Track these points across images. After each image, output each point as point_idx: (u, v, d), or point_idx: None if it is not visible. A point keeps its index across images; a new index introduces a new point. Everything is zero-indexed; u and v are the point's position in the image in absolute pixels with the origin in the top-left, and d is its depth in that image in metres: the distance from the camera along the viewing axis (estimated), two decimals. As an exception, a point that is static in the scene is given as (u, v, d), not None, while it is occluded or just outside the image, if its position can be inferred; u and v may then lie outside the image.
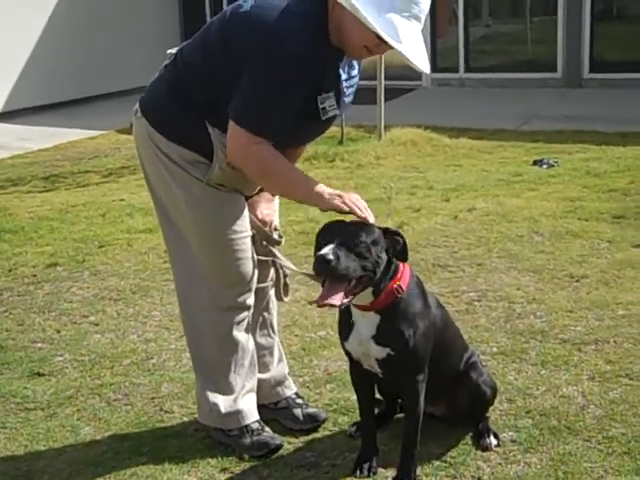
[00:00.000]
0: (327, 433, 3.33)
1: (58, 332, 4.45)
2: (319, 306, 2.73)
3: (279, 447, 3.20)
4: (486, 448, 3.13)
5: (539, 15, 13.99)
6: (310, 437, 3.29)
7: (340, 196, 2.85)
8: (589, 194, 6.71)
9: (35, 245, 5.98)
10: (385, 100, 9.00)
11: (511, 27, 14.49)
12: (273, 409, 3.43)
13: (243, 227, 3.07)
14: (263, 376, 3.40)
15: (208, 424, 3.27)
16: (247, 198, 3.14)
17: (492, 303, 4.56)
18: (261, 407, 3.34)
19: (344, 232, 2.73)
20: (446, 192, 6.99)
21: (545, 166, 7.81)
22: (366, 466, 3.03)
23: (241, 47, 2.78)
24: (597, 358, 3.84)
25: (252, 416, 3.24)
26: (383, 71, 8.77)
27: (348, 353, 3.02)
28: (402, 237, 2.86)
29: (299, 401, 3.45)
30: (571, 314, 4.35)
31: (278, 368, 3.47)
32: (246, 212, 3.11)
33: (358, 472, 3.01)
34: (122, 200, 7.11)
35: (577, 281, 4.83)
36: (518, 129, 9.79)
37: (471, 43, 13.86)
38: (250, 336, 3.24)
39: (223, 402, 3.20)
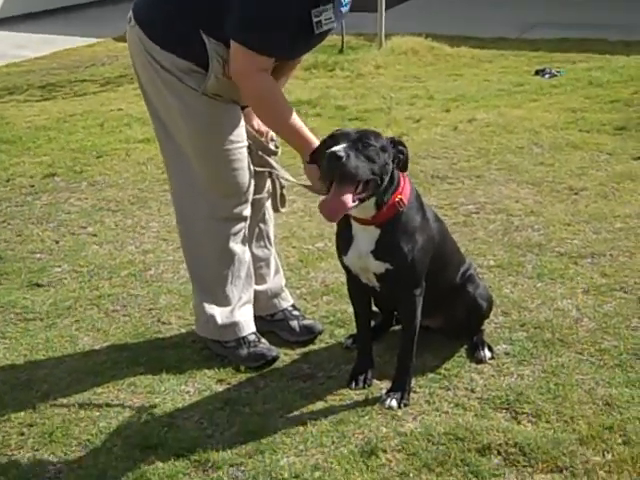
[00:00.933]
0: (323, 345, 3.37)
1: (57, 243, 4.46)
2: (326, 212, 2.70)
3: (275, 358, 3.24)
4: (480, 360, 3.17)
5: None
6: (306, 349, 3.33)
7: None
8: (591, 105, 6.64)
9: (33, 155, 5.95)
10: (386, 7, 8.84)
11: None
12: (270, 321, 3.46)
13: (239, 137, 3.05)
14: (260, 288, 3.42)
15: (205, 336, 3.31)
16: (243, 108, 3.11)
17: (490, 216, 4.56)
18: (258, 319, 3.37)
19: (354, 136, 2.73)
20: (446, 102, 6.93)
21: (547, 76, 7.71)
22: (361, 378, 3.07)
23: None
24: (593, 271, 3.85)
25: (249, 328, 3.27)
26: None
27: (346, 267, 3.03)
28: (406, 148, 2.85)
29: (295, 313, 3.48)
30: (569, 227, 4.35)
31: (275, 280, 3.49)
32: (242, 122, 3.08)
33: (353, 384, 3.05)
34: (120, 110, 7.04)
35: (576, 194, 4.82)
36: (520, 37, 9.64)
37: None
38: (247, 248, 3.25)
39: (220, 314, 3.22)
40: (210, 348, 3.32)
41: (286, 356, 3.28)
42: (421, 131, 6.13)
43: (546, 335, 3.33)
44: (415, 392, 2.99)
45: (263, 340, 3.29)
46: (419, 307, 2.97)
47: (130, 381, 3.14)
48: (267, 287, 3.46)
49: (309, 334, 3.40)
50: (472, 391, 2.98)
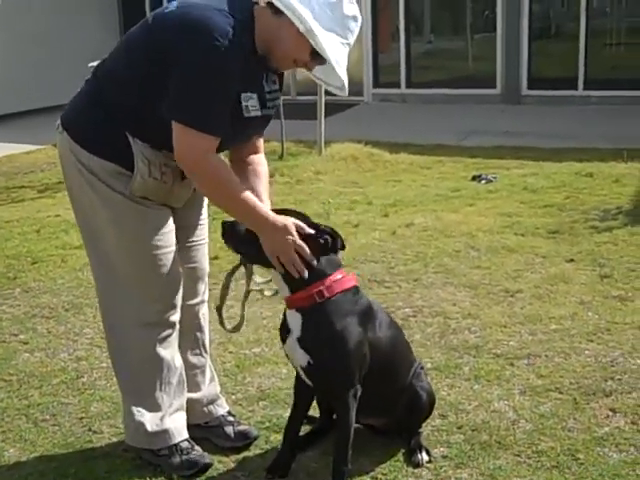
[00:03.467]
0: (259, 451, 3.30)
1: (-14, 351, 4.36)
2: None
3: (209, 466, 3.15)
4: (417, 464, 3.12)
5: (479, 32, 14.15)
6: (241, 456, 3.25)
7: (282, 229, 2.87)
8: (526, 209, 6.78)
9: (-34, 262, 5.86)
10: (326, 115, 9.03)
11: (452, 43, 14.66)
12: (204, 427, 3.39)
13: (167, 242, 3.03)
14: (195, 395, 3.35)
15: (135, 445, 3.21)
16: (173, 209, 3.11)
17: (427, 319, 4.57)
18: (192, 426, 3.29)
19: None
20: (385, 207, 7.01)
21: (483, 181, 7.88)
22: (278, 469, 3.04)
23: (169, 45, 2.75)
24: (529, 372, 3.86)
25: (180, 435, 3.19)
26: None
27: (287, 356, 3.04)
28: (327, 238, 2.90)
29: (230, 419, 3.41)
30: (505, 329, 4.37)
31: (209, 387, 3.42)
32: (171, 227, 3.06)
33: (269, 475, 3.03)
34: (57, 216, 7.00)
35: (512, 296, 4.86)
36: (458, 144, 9.88)
37: (413, 59, 13.96)
38: (177, 354, 3.19)
39: (149, 421, 3.14)
40: (143, 457, 3.22)
41: (220, 463, 3.20)
42: (359, 236, 6.17)
43: (483, 437, 3.30)
44: (351, 498, 2.93)
45: (196, 447, 3.21)
46: (353, 409, 2.92)
47: (57, 493, 3.03)
48: (202, 395, 3.39)
49: (244, 440, 3.33)
50: (409, 496, 2.93)
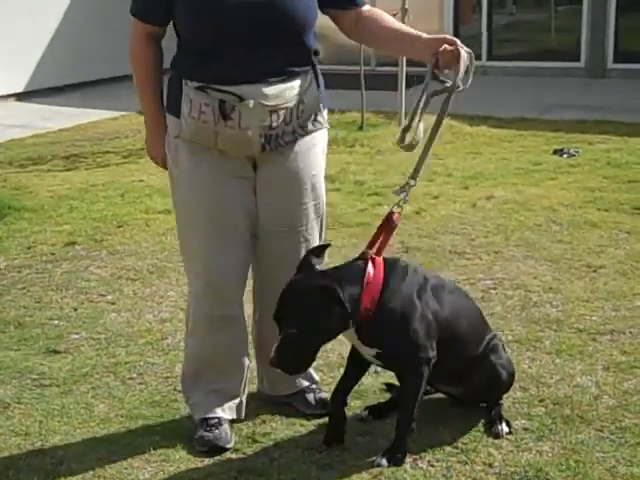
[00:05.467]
0: (339, 417, 3.34)
1: (75, 310, 4.48)
2: None
3: (225, 449, 3.12)
4: (498, 435, 3.13)
5: (564, 4, 13.87)
6: (322, 420, 3.29)
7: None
8: (609, 184, 6.67)
9: (54, 224, 6.01)
10: (406, 87, 8.97)
11: (535, 15, 14.40)
12: (286, 394, 3.44)
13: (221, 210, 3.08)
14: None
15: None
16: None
17: (508, 291, 4.55)
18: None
19: (284, 315, 2.83)
20: (465, 180, 6.97)
21: (565, 155, 7.76)
22: (333, 438, 3.10)
23: None
24: (612, 348, 3.82)
25: (210, 412, 3.22)
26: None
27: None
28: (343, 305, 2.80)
29: (313, 386, 3.45)
30: (587, 304, 4.33)
31: None
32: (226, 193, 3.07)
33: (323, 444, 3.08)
34: (141, 181, 7.12)
35: (594, 271, 4.81)
36: (539, 118, 9.72)
37: (494, 31, 13.75)
38: (237, 338, 3.27)
39: (196, 391, 3.25)
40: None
41: (302, 427, 3.26)
42: (439, 207, 6.16)
43: (565, 411, 3.29)
44: (432, 466, 2.95)
45: (222, 428, 3.19)
46: (422, 379, 2.95)
47: (144, 450, 3.11)
48: None
49: (324, 407, 3.36)
50: (490, 466, 2.94)
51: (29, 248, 5.50)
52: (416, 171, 3.02)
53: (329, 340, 2.91)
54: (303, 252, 3.08)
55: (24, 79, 12.17)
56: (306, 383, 3.45)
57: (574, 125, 9.15)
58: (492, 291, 4.57)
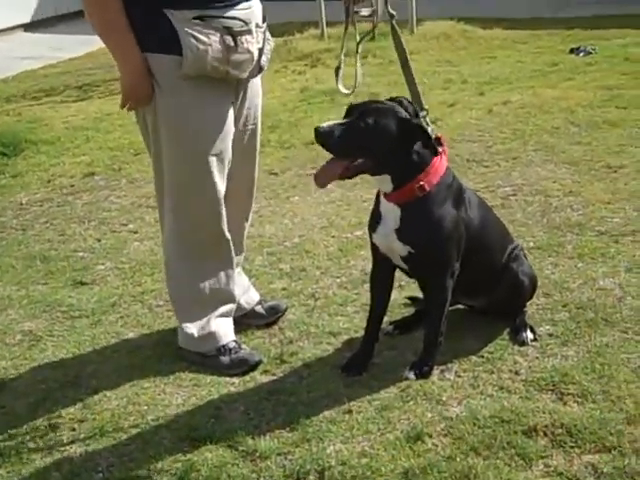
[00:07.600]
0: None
1: (99, 241, 4.52)
2: (314, 176, 2.85)
3: (259, 363, 3.19)
4: (523, 342, 3.16)
5: None
6: (348, 336, 3.34)
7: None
8: (628, 81, 6.57)
9: (72, 155, 6.03)
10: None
11: None
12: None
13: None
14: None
15: (185, 347, 3.30)
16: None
17: (528, 197, 4.54)
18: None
19: (357, 112, 2.79)
20: (480, 85, 6.90)
21: (582, 54, 7.65)
22: (356, 366, 3.08)
23: None
24: (635, 249, 3.82)
25: (227, 337, 3.26)
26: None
27: (375, 247, 3.03)
28: (425, 131, 2.82)
29: (257, 298, 3.52)
30: (608, 205, 4.31)
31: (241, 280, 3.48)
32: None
33: (346, 372, 3.07)
34: (155, 106, 7.08)
35: (615, 172, 4.77)
36: (554, 17, 9.55)
37: None
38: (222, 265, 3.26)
39: (196, 327, 3.24)
40: (192, 360, 3.27)
41: (329, 345, 3.30)
42: (455, 115, 6.11)
43: (589, 315, 3.31)
44: (459, 376, 2.99)
45: (244, 346, 3.26)
46: (449, 288, 2.96)
47: (175, 375, 3.18)
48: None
49: (275, 314, 3.46)
50: (516, 373, 2.98)
51: (49, 181, 5.53)
52: (416, 102, 3.00)
53: (383, 154, 2.82)
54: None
55: (30, 8, 12.02)
56: (255, 298, 3.50)
57: (590, 21, 9.00)
58: (512, 198, 4.56)
